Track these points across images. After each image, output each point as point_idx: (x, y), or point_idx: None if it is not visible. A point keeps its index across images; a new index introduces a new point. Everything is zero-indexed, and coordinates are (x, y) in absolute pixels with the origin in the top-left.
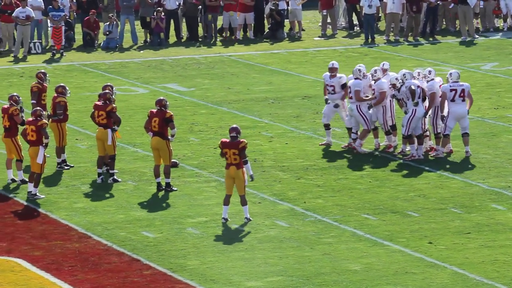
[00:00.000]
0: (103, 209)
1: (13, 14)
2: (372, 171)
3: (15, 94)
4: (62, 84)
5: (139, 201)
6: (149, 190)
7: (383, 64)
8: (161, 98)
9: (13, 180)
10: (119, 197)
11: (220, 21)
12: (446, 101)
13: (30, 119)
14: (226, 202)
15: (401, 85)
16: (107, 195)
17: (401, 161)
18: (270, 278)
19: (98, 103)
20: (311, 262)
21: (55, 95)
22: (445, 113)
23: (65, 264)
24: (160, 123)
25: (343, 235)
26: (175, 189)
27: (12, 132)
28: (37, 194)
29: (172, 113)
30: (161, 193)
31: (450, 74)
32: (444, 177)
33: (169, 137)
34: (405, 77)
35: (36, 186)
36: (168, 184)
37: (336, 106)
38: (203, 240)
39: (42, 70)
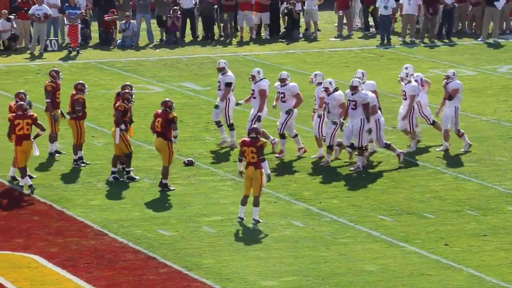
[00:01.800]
0: (119, 207)
1: (29, 12)
2: (388, 172)
3: (22, 91)
4: (81, 82)
5: (154, 198)
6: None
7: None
8: (167, 99)
9: (13, 178)
10: (135, 194)
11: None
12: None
13: (14, 114)
14: (244, 202)
15: (334, 90)
16: (123, 193)
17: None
18: (285, 277)
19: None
20: (327, 262)
21: (74, 92)
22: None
23: (81, 261)
24: (163, 123)
25: (359, 236)
26: (173, 188)
27: None
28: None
29: (175, 115)
30: (176, 192)
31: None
32: (460, 179)
33: (172, 139)
34: (331, 85)
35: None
36: (165, 185)
37: (216, 107)
38: (218, 239)
39: (55, 68)
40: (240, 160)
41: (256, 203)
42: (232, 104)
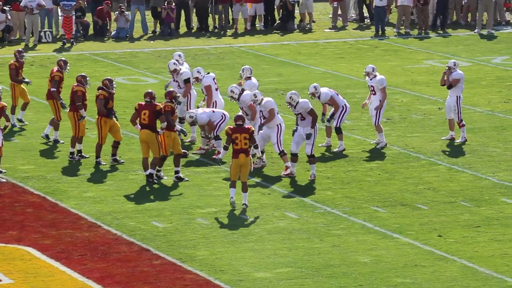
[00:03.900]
0: (112, 199)
1: (21, 3)
2: (382, 164)
3: None
4: (82, 74)
5: (148, 191)
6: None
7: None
8: (150, 90)
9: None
10: (128, 186)
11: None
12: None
13: None
14: (233, 185)
15: (296, 104)
16: (117, 185)
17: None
18: (279, 269)
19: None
20: (321, 254)
21: (75, 84)
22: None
23: (74, 253)
24: (150, 116)
25: (353, 227)
26: (165, 177)
27: None
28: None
29: (162, 106)
30: (170, 183)
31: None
32: (454, 170)
33: (159, 130)
34: (292, 99)
35: None
36: (151, 175)
37: (179, 103)
38: (212, 231)
39: (63, 59)
40: (226, 148)
41: (245, 189)
42: (193, 100)
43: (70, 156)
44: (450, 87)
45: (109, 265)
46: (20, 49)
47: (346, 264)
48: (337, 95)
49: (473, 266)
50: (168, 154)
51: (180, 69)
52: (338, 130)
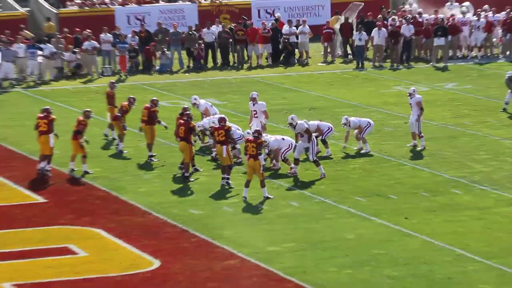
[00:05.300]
0: (160, 193)
1: (82, 47)
2: (362, 164)
3: (88, 110)
4: (155, 98)
5: (187, 186)
6: (195, 178)
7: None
8: (189, 112)
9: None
10: (172, 183)
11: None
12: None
13: (42, 115)
14: (247, 185)
15: (296, 124)
16: (163, 182)
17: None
18: (285, 244)
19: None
20: (317, 232)
21: (149, 105)
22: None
23: (133, 233)
24: (186, 131)
25: (341, 212)
26: (193, 179)
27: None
28: (47, 170)
29: (195, 124)
30: (203, 181)
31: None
32: (417, 169)
33: (192, 142)
34: (293, 120)
35: (49, 163)
36: (186, 177)
37: None
38: (235, 216)
39: (133, 96)
40: (245, 153)
41: (262, 185)
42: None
43: (150, 159)
44: (422, 110)
45: (159, 242)
46: (112, 80)
47: (336, 240)
48: (321, 121)
49: (431, 240)
50: (232, 163)
51: (199, 103)
52: (324, 142)
